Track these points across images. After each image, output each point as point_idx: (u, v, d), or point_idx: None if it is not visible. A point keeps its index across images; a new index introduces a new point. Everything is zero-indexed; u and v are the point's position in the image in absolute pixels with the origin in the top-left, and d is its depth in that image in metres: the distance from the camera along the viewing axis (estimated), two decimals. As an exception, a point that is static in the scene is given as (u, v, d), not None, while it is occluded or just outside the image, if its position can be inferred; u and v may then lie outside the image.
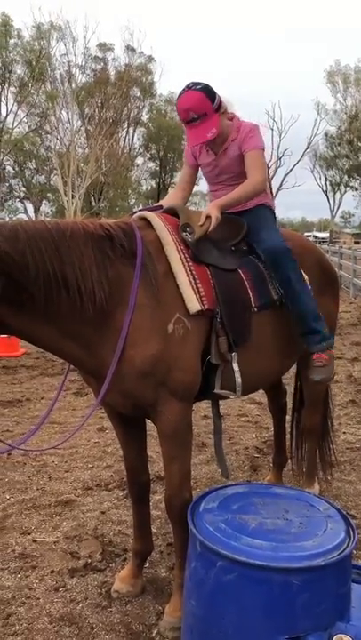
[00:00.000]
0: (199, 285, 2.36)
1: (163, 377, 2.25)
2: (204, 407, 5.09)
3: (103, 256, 2.20)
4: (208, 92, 2.63)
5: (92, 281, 2.13)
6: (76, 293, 2.11)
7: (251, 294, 2.58)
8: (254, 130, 2.82)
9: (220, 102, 2.70)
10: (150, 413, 2.37)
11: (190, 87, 2.63)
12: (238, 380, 2.46)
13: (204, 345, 2.40)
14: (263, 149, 2.86)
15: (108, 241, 2.23)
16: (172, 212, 2.61)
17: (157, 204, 2.84)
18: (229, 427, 5.02)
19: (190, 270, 2.36)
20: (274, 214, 3.03)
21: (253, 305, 2.57)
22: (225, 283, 2.47)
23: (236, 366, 2.45)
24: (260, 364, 2.67)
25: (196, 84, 2.65)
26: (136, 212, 2.63)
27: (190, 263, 2.38)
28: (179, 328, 2.27)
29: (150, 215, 2.49)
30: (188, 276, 2.34)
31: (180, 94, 2.66)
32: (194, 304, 2.30)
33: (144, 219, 2.49)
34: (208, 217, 2.53)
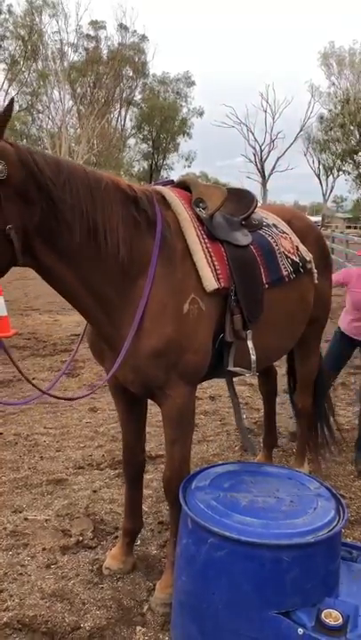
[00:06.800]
0: (215, 263, 2.33)
1: (175, 359, 2.23)
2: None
3: (129, 217, 2.18)
4: None
5: (117, 236, 2.13)
6: (103, 242, 2.10)
7: (262, 270, 2.57)
8: None
9: None
10: (157, 395, 2.36)
11: None
12: (253, 357, 2.46)
13: (216, 324, 2.38)
14: None
15: (134, 204, 2.21)
16: (183, 187, 2.57)
17: (170, 181, 2.75)
18: (220, 408, 5.05)
19: (206, 247, 2.34)
20: None
21: (265, 281, 2.57)
22: (239, 259, 2.46)
23: (250, 343, 2.44)
24: (271, 340, 2.69)
25: None
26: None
27: (206, 240, 2.36)
28: (193, 309, 2.25)
29: (164, 190, 2.44)
30: (205, 253, 2.31)
31: None
32: (211, 282, 2.28)
33: (158, 193, 2.43)
34: None
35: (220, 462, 2.65)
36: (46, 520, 3.18)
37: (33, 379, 5.91)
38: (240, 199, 2.73)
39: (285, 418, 4.67)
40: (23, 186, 1.91)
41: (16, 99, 35.49)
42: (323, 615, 1.75)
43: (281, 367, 4.23)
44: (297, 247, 2.88)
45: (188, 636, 1.97)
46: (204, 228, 2.39)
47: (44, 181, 1.95)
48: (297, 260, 2.82)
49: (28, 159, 1.94)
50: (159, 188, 2.47)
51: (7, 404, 4.13)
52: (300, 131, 47.21)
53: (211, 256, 2.33)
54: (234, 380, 4.12)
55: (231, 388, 2.79)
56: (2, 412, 4.83)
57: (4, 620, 2.39)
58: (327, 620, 1.74)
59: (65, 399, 2.66)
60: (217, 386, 5.39)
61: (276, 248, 2.71)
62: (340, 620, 1.74)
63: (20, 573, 2.71)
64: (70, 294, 2.20)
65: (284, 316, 2.76)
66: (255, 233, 2.67)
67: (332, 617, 1.75)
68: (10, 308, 8.83)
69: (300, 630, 1.74)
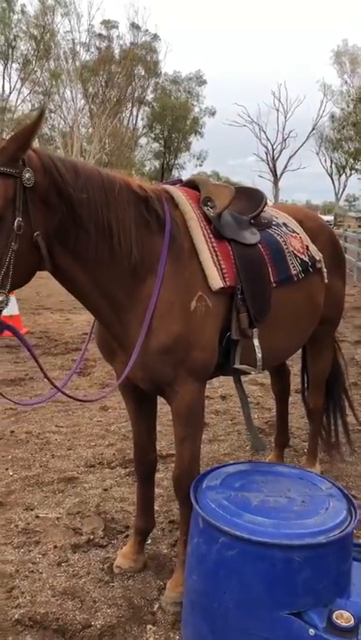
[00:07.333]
0: (221, 262, 2.34)
1: (183, 355, 2.24)
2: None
3: (140, 218, 2.20)
4: None
5: (130, 237, 2.15)
6: (117, 243, 2.12)
7: (270, 269, 2.57)
8: None
9: None
10: (166, 392, 2.37)
11: None
12: (259, 355, 2.46)
13: (223, 321, 2.39)
14: None
15: (144, 204, 2.23)
16: (191, 186, 2.57)
17: (178, 180, 2.76)
18: (232, 407, 5.04)
19: (213, 246, 2.34)
20: None
21: (273, 280, 2.57)
22: (246, 258, 2.46)
23: (256, 342, 2.45)
24: (278, 339, 2.69)
25: None
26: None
27: (213, 239, 2.36)
28: (200, 306, 2.26)
29: (172, 189, 2.44)
30: (210, 252, 2.32)
31: None
32: (216, 281, 2.28)
33: (166, 192, 2.44)
34: None
35: (232, 462, 2.65)
36: (57, 518, 3.19)
37: (44, 377, 5.93)
38: (250, 198, 2.73)
39: (297, 417, 4.66)
40: (46, 192, 1.94)
41: (28, 98, 35.79)
42: (334, 616, 1.74)
43: (293, 367, 4.22)
44: (307, 246, 2.87)
45: (198, 634, 1.97)
46: (211, 226, 2.39)
47: (64, 187, 1.98)
48: (306, 259, 2.81)
49: (50, 165, 1.96)
50: (167, 187, 2.48)
51: (21, 403, 4.16)
52: (313, 129, 47.06)
53: (217, 255, 2.34)
54: (245, 379, 4.13)
55: (239, 386, 2.79)
56: (14, 411, 4.86)
57: (16, 616, 2.40)
58: (338, 621, 1.73)
59: (83, 401, 2.68)
60: (228, 385, 5.38)
61: (285, 247, 2.70)
62: (352, 622, 1.73)
63: (32, 571, 2.72)
64: (84, 295, 2.22)
65: (293, 315, 2.75)
66: (264, 232, 2.67)
67: (343, 618, 1.74)
68: (22, 307, 8.88)
69: (312, 631, 1.73)
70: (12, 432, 4.43)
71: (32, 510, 3.27)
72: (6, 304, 1.88)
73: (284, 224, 2.85)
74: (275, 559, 1.77)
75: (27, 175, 1.87)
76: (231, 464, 2.41)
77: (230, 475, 2.21)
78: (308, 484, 2.17)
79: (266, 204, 2.74)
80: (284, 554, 1.77)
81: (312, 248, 2.91)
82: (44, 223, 1.96)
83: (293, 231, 2.86)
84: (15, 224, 1.85)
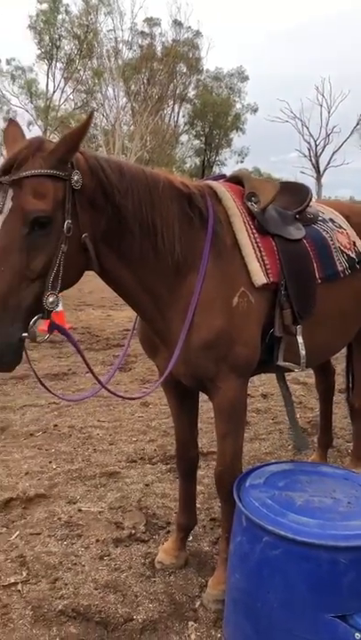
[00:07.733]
0: (265, 257, 2.31)
1: (225, 351, 2.23)
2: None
3: (183, 215, 2.20)
4: None
5: (173, 235, 2.15)
6: (160, 242, 2.13)
7: (315, 265, 2.53)
8: None
9: None
10: (208, 388, 2.36)
11: None
12: (303, 352, 2.42)
13: (266, 318, 2.36)
14: None
15: (187, 201, 2.22)
16: (235, 181, 2.56)
17: (222, 175, 2.75)
18: (273, 406, 4.99)
19: (256, 242, 2.32)
20: None
21: (318, 276, 2.53)
22: (290, 254, 2.42)
23: (300, 339, 2.41)
24: (323, 337, 2.65)
25: None
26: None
27: (256, 234, 2.34)
28: (243, 302, 2.24)
29: (216, 185, 2.43)
30: (253, 248, 2.30)
31: None
32: (259, 277, 2.26)
33: (210, 188, 2.43)
34: None
35: (274, 461, 2.63)
36: (100, 512, 3.23)
37: (87, 372, 6.02)
38: (295, 193, 2.69)
39: (340, 417, 4.58)
40: (93, 194, 1.96)
41: (71, 97, 36.24)
42: (381, 621, 1.71)
43: (337, 365, 4.14)
44: (354, 242, 2.81)
45: (241, 633, 1.96)
46: (254, 222, 2.37)
47: (110, 189, 1.99)
48: (353, 255, 2.76)
49: (96, 167, 1.97)
50: (211, 182, 2.46)
51: (66, 399, 4.25)
52: (357, 124, 46.08)
53: (260, 250, 2.32)
54: (288, 377, 4.08)
55: (283, 384, 2.75)
56: (57, 405, 4.94)
57: (60, 607, 2.44)
58: (386, 627, 1.69)
59: (127, 398, 2.70)
60: (269, 384, 5.34)
61: (331, 243, 2.65)
62: None
63: (75, 563, 2.76)
64: (127, 293, 2.23)
65: (338, 312, 2.70)
66: (309, 227, 2.63)
67: (390, 623, 1.70)
68: (65, 304, 9.03)
69: (358, 635, 1.71)
70: (56, 426, 4.51)
71: (75, 504, 3.32)
72: (57, 304, 1.90)
73: (331, 219, 2.80)
74: (320, 560, 1.75)
75: (75, 177, 1.88)
76: (274, 463, 2.39)
77: (274, 474, 2.19)
78: (354, 484, 2.13)
79: (311, 199, 2.70)
80: (329, 555, 1.74)
81: (359, 244, 2.85)
82: (91, 224, 1.97)
83: (340, 227, 2.81)
84: (65, 226, 1.87)
